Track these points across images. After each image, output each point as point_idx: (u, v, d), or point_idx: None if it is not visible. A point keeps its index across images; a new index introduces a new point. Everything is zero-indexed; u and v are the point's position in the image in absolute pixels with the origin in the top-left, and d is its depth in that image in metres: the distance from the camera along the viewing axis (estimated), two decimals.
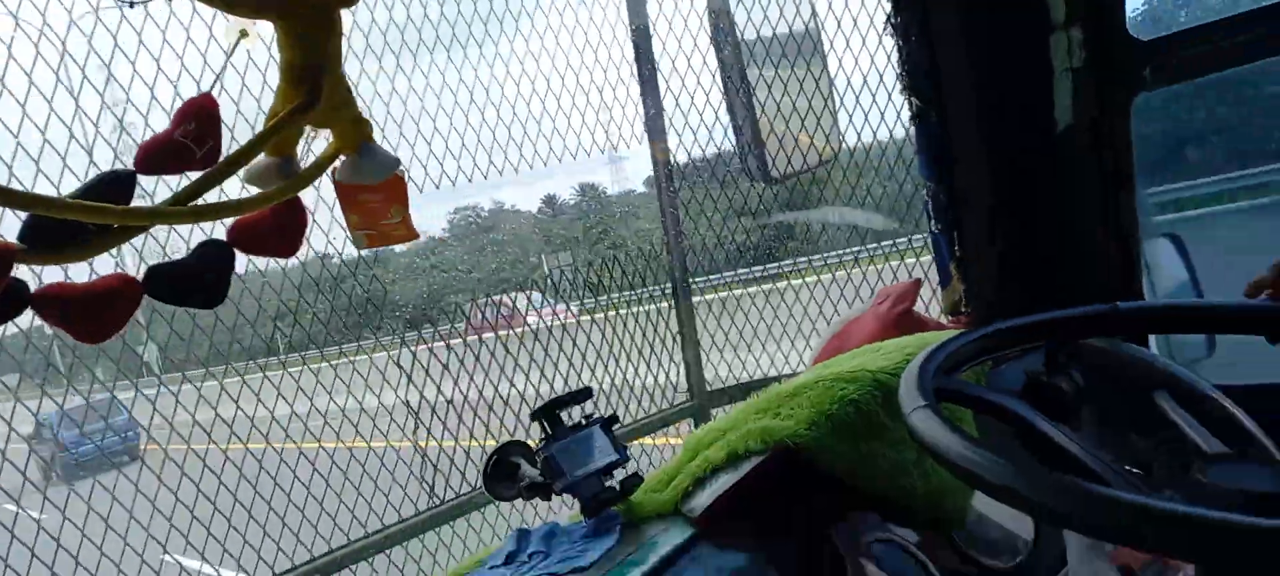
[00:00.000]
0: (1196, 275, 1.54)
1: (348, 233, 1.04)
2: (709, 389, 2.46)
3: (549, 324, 2.62)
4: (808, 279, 2.76)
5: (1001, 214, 1.65)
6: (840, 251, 2.73)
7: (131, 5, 1.90)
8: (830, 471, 1.10)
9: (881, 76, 2.43)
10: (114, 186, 0.73)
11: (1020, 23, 1.55)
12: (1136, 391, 1.15)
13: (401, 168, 1.00)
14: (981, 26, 1.60)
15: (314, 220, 2.13)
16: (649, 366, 2.51)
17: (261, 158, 0.93)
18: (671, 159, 2.46)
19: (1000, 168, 1.64)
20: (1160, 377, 1.13)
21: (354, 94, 0.96)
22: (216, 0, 0.74)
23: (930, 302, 2.03)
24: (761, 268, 3.04)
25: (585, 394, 1.18)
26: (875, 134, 2.41)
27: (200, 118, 0.80)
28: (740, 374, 2.57)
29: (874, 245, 2.58)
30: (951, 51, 1.62)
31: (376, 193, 1.02)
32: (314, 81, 0.84)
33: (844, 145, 2.33)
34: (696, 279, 2.98)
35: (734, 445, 1.10)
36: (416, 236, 1.07)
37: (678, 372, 2.48)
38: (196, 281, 0.81)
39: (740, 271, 2.89)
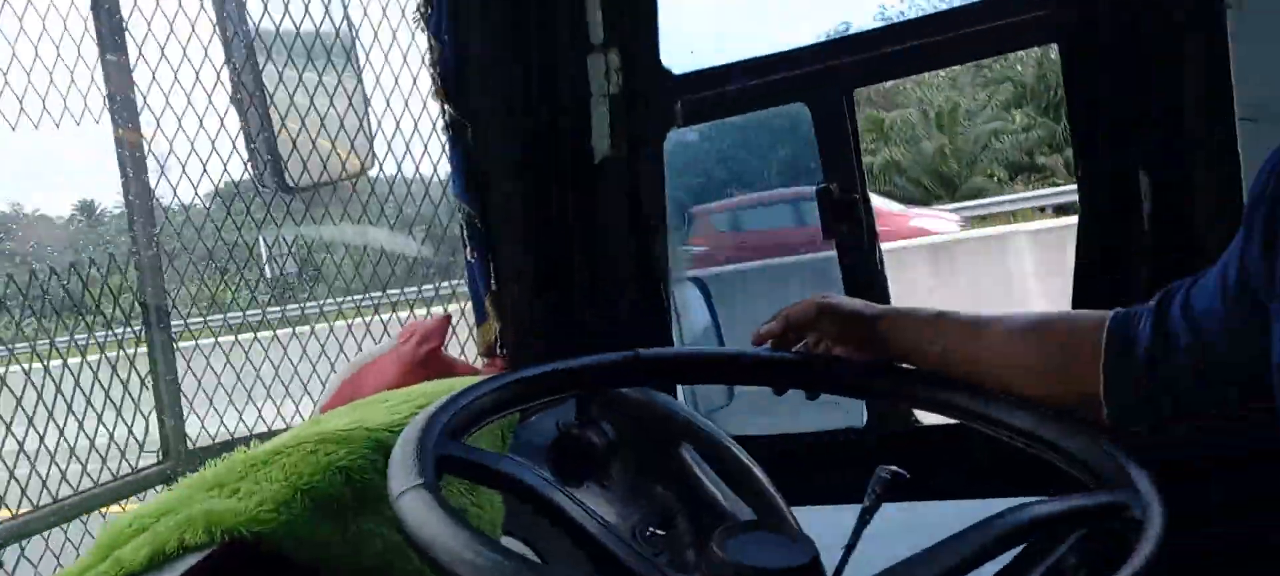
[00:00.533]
0: (719, 322, 1.62)
1: None
2: (192, 447, 2.00)
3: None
4: (337, 323, 2.47)
5: (536, 245, 1.58)
6: (379, 294, 2.49)
7: None
8: (305, 562, 0.86)
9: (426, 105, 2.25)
10: None
11: (559, 37, 1.51)
12: (662, 443, 1.13)
13: None
14: (516, 34, 1.52)
15: None
16: (102, 421, 2.00)
17: None
18: (148, 146, 2.00)
19: (536, 194, 1.57)
20: (682, 429, 1.13)
21: None
22: None
23: (467, 343, 1.91)
24: (279, 309, 2.66)
25: None
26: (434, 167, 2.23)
27: None
28: (236, 429, 2.17)
29: (417, 289, 2.38)
30: (486, 57, 1.52)
31: None
32: None
33: (376, 162, 2.12)
34: (192, 321, 2.52)
35: (162, 540, 0.80)
36: None
37: (148, 426, 1.99)
38: None
39: (250, 314, 2.49)
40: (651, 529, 1.05)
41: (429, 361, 1.39)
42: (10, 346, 2.19)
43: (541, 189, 1.59)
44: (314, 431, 0.97)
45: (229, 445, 1.86)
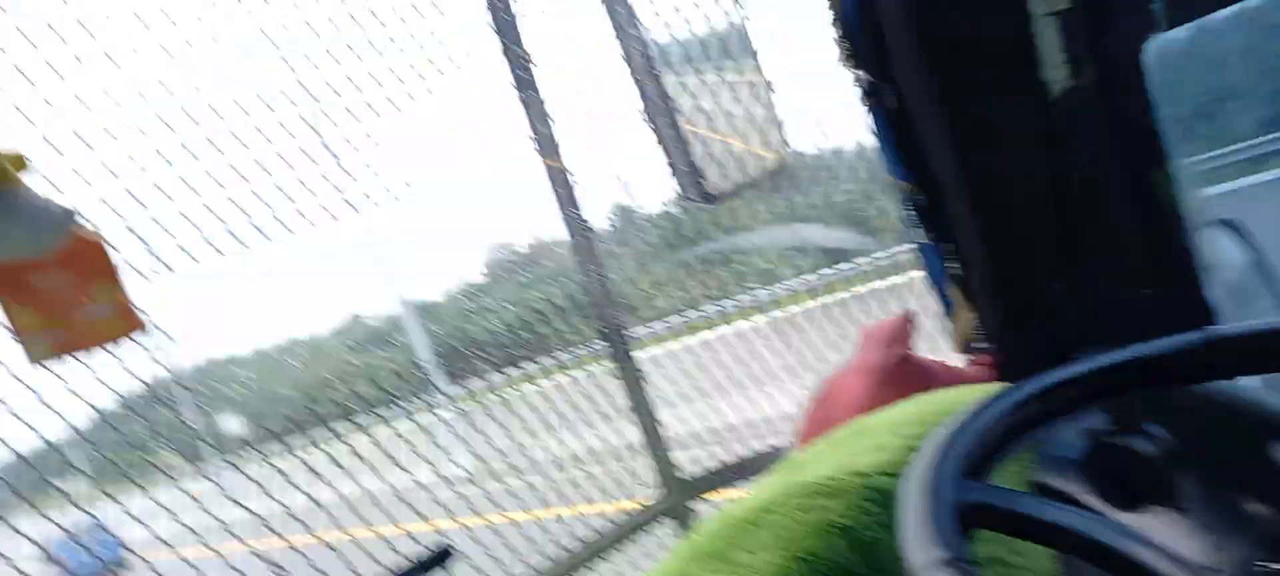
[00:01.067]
0: (1273, 273, 1.25)
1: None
2: (681, 476, 2.00)
3: None
4: (757, 318, 2.44)
5: (998, 210, 1.35)
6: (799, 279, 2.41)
7: None
8: None
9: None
10: None
11: None
12: (1243, 443, 0.85)
13: (80, 220, 0.64)
14: None
15: None
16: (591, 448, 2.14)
17: None
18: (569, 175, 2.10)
19: (985, 149, 1.33)
20: (1273, 423, 0.84)
21: None
22: None
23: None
24: (716, 307, 2.71)
25: (441, 557, 0.84)
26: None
27: None
28: (711, 445, 2.19)
29: (839, 268, 2.26)
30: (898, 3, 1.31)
31: (57, 269, 0.66)
32: None
33: (790, 151, 2.03)
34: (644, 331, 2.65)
35: None
36: (140, 326, 0.72)
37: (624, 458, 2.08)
38: None
39: (673, 320, 2.56)
40: (1262, 564, 0.78)
41: (900, 371, 1.23)
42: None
43: (988, 139, 1.35)
44: (797, 482, 0.87)
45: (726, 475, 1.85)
